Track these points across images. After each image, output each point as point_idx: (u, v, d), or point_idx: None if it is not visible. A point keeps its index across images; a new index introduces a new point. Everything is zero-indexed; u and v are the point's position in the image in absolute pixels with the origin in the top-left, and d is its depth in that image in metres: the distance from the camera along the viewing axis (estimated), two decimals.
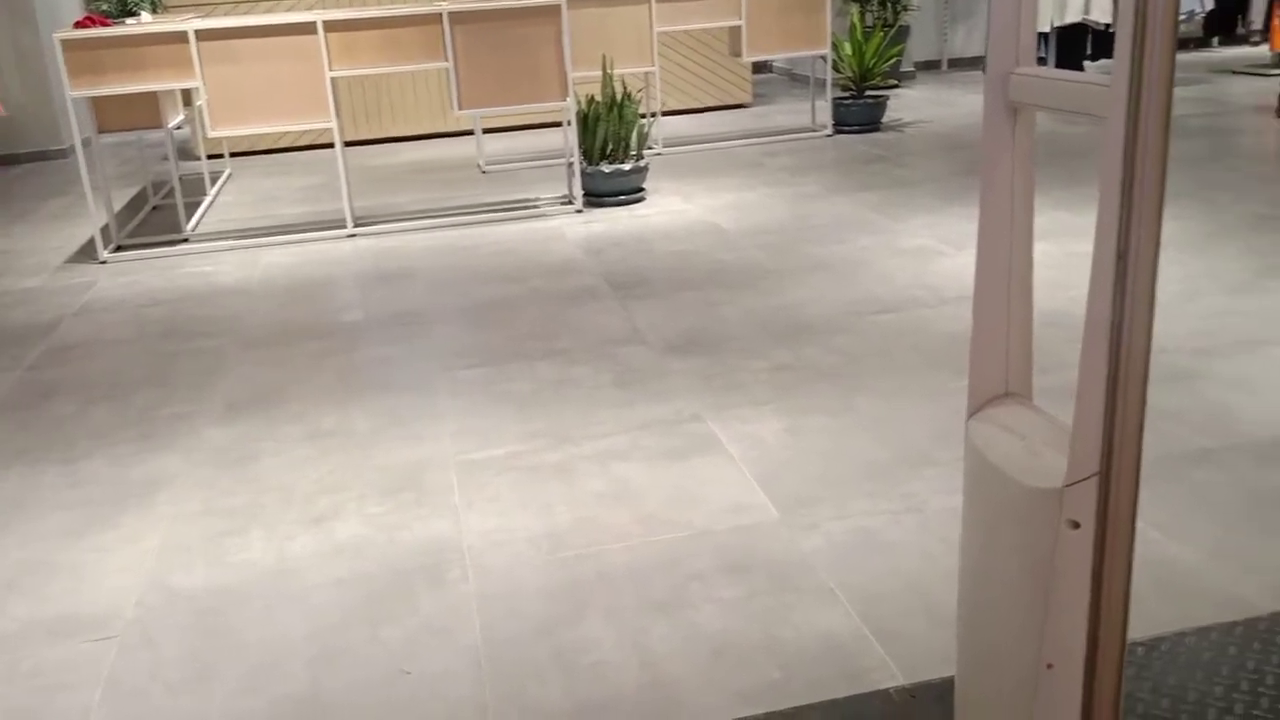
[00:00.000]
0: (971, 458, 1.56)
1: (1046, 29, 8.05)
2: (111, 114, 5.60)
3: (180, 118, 6.13)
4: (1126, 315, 1.34)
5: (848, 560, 2.32)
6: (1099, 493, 1.34)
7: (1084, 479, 1.35)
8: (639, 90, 6.50)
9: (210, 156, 7.37)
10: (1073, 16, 7.99)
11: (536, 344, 3.76)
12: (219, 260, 5.19)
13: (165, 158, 7.35)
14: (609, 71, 5.89)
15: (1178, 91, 7.78)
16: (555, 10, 5.41)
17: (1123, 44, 1.31)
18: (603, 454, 2.90)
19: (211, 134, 5.25)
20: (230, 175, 7.35)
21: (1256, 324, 3.46)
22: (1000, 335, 1.58)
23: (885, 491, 2.60)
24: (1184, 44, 9.82)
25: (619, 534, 2.49)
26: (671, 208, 5.63)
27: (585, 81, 6.29)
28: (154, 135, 7.75)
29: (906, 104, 8.18)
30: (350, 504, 2.73)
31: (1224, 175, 5.43)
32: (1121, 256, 1.34)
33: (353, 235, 5.49)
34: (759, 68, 10.27)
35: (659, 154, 7.02)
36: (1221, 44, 9.93)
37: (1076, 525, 1.36)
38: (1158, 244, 1.35)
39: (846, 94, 7.35)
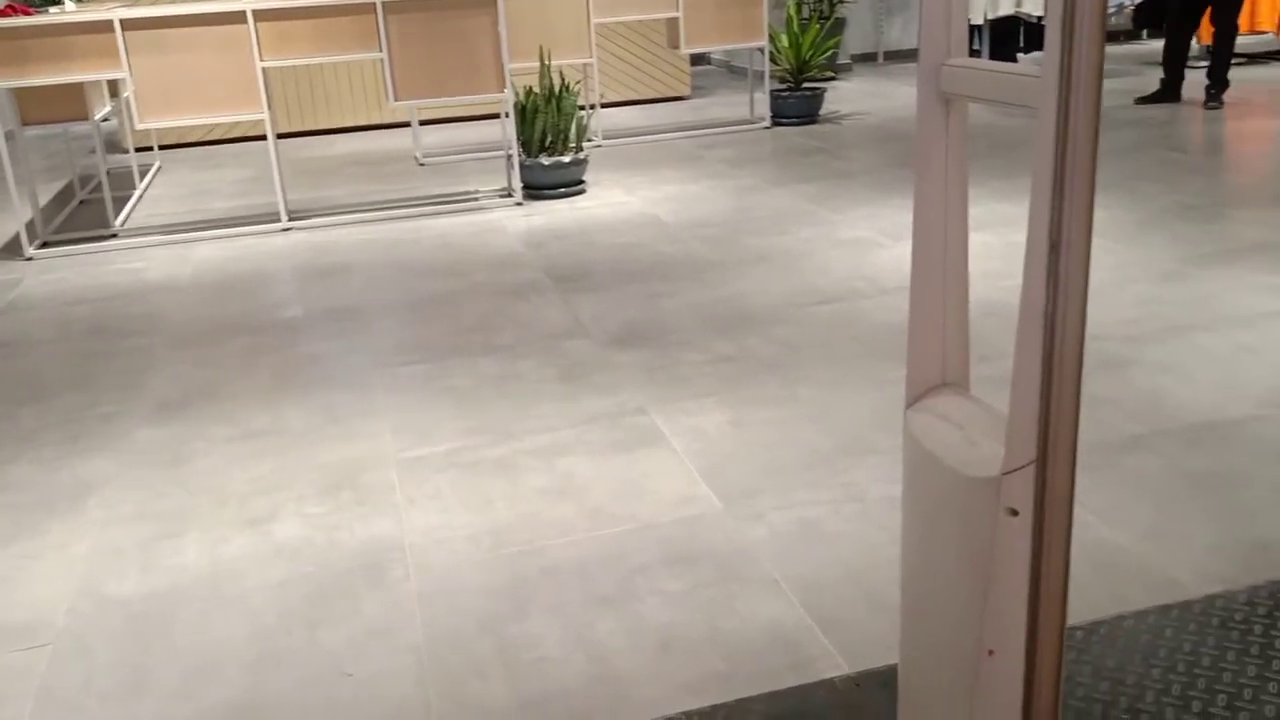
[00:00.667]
0: (910, 447, 1.57)
1: (980, 22, 8.15)
2: (36, 106, 5.45)
3: (107, 109, 5.99)
4: (1060, 304, 1.35)
5: (791, 551, 2.33)
6: (1036, 480, 1.35)
7: (1021, 467, 1.37)
8: (577, 82, 6.47)
9: (139, 149, 7.22)
10: (1005, 9, 8.09)
11: (477, 338, 3.73)
12: (149, 256, 5.08)
13: (92, 151, 7.18)
14: (547, 63, 5.86)
15: (1106, 83, 7.92)
16: (491, 0, 5.36)
17: (1052, 34, 1.32)
18: (545, 449, 2.88)
19: (140, 126, 5.14)
20: (160, 168, 7.20)
21: (1184, 311, 3.53)
22: (937, 326, 1.59)
23: (827, 481, 2.61)
24: (1113, 36, 10.00)
25: (562, 529, 2.48)
26: (612, 200, 5.62)
27: (523, 73, 6.25)
28: (80, 128, 7.56)
29: (843, 96, 8.24)
30: (288, 504, 2.68)
31: (1152, 166, 5.54)
32: (1054, 247, 1.36)
33: (287, 229, 5.41)
34: (697, 60, 10.27)
35: (599, 146, 7.00)
36: (1150, 36, 10.12)
37: (1015, 513, 1.37)
38: (1089, 234, 1.36)
39: (784, 86, 7.38)
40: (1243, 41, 8.80)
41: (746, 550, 2.35)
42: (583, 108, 6.20)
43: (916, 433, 1.55)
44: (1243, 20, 8.38)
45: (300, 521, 2.59)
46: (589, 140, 6.88)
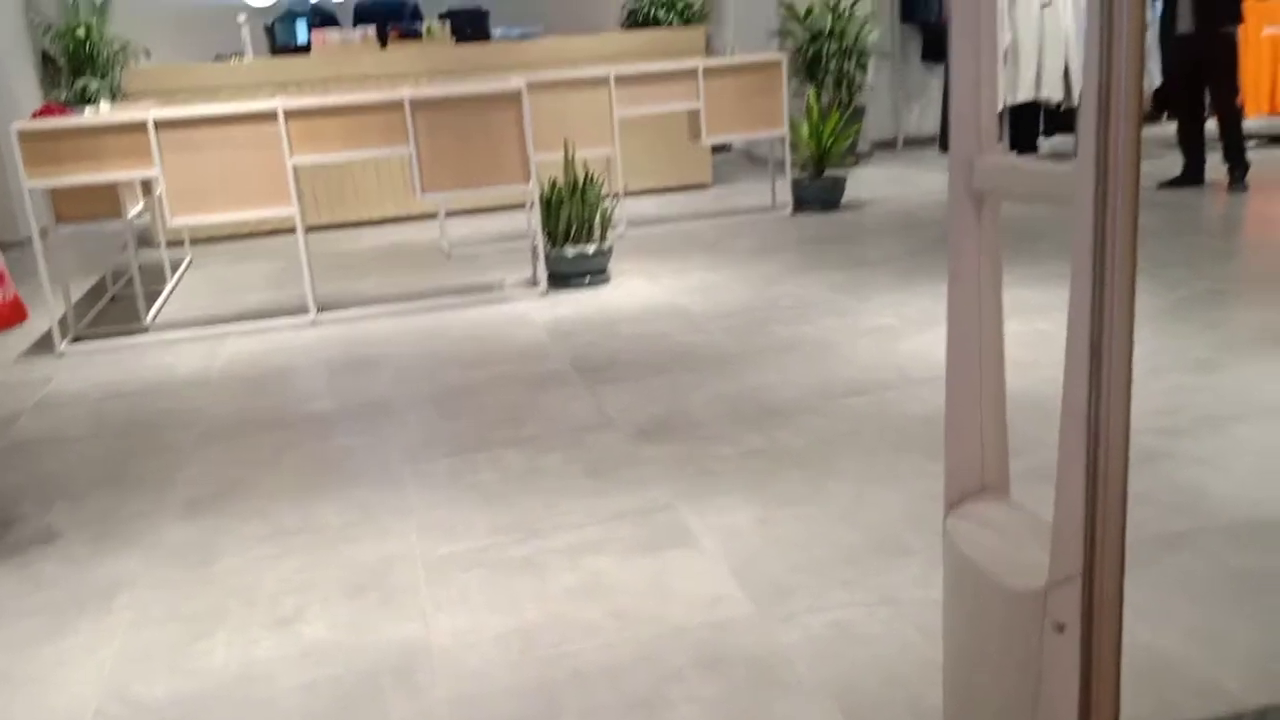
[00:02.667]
0: (951, 556, 1.54)
1: (1000, 108, 8.22)
2: (70, 204, 5.56)
3: (140, 206, 6.10)
4: (1103, 407, 1.33)
5: (826, 654, 2.28)
6: (1083, 594, 1.32)
7: (1067, 579, 1.33)
8: (601, 172, 6.54)
9: (170, 244, 7.32)
10: (1024, 94, 8.17)
11: (505, 432, 3.72)
12: (179, 351, 5.13)
13: (125, 246, 7.29)
14: (571, 155, 5.94)
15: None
16: (516, 96, 5.46)
17: (1086, 129, 1.31)
18: (574, 547, 2.85)
19: (171, 224, 5.22)
20: (191, 262, 7.30)
21: (1219, 400, 3.49)
22: (974, 429, 1.57)
23: (861, 581, 2.57)
24: None
25: (592, 631, 2.44)
26: (637, 289, 5.64)
27: (548, 164, 6.32)
28: (113, 224, 7.66)
29: (864, 183, 8.29)
30: (316, 605, 2.65)
31: (1179, 251, 5.53)
32: (1095, 349, 1.34)
33: (316, 322, 5.45)
34: (719, 148, 10.39)
35: (622, 235, 7.06)
36: (1170, 119, 10.16)
37: (1061, 628, 1.33)
38: (1131, 335, 1.35)
39: (805, 174, 7.44)
40: (1264, 124, 8.84)
41: (780, 653, 2.30)
42: (606, 196, 6.26)
43: (958, 540, 1.52)
44: (1262, 101, 8.44)
45: (329, 622, 2.56)
46: (613, 229, 6.93)
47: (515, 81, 5.59)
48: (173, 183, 5.11)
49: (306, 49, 8.02)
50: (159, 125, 5.05)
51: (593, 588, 2.63)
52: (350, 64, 7.94)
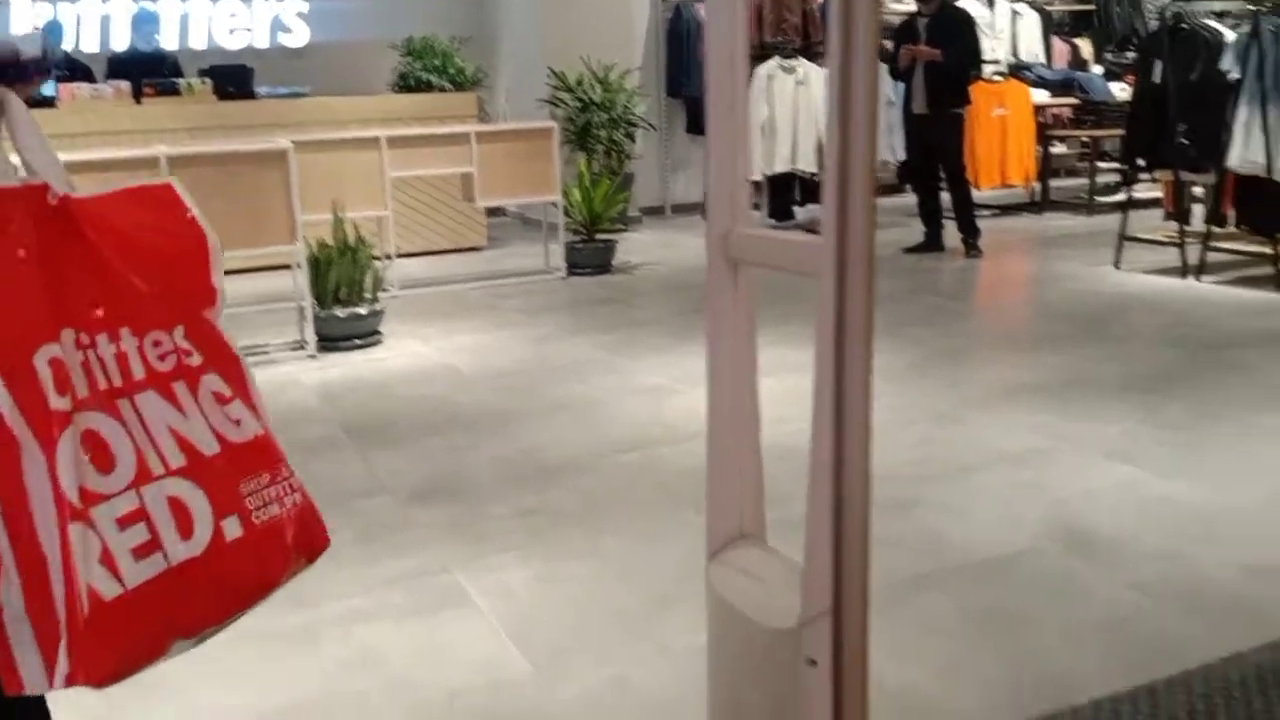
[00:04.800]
0: (713, 601, 1.61)
1: (759, 178, 8.65)
2: None
3: None
4: (846, 459, 1.43)
5: (603, 709, 2.31)
6: (832, 629, 1.40)
7: (817, 616, 1.42)
8: (373, 234, 6.47)
9: None
10: (781, 166, 8.63)
11: None
12: None
13: None
14: (341, 216, 5.85)
15: (877, 235, 8.49)
16: (282, 155, 5.35)
17: (829, 207, 1.43)
18: (345, 616, 2.78)
19: None
20: None
21: (960, 451, 3.77)
22: (733, 481, 1.65)
23: (636, 636, 2.62)
24: (881, 191, 10.74)
25: (364, 704, 2.38)
26: (409, 351, 5.59)
27: (317, 224, 6.20)
28: None
29: (635, 247, 8.52)
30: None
31: (922, 312, 5.94)
32: (838, 404, 1.44)
33: None
34: (493, 211, 10.45)
35: (395, 296, 6.98)
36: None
37: (814, 662, 1.41)
38: (870, 390, 1.46)
39: (578, 238, 7.59)
40: (996, 195, 9.66)
41: (559, 713, 2.31)
42: (378, 258, 6.19)
43: (718, 585, 1.59)
44: (994, 175, 9.21)
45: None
46: (385, 291, 6.85)
47: (282, 141, 5.49)
48: None
49: (52, 102, 7.59)
50: None
51: (366, 658, 2.57)
52: (102, 119, 7.56)
